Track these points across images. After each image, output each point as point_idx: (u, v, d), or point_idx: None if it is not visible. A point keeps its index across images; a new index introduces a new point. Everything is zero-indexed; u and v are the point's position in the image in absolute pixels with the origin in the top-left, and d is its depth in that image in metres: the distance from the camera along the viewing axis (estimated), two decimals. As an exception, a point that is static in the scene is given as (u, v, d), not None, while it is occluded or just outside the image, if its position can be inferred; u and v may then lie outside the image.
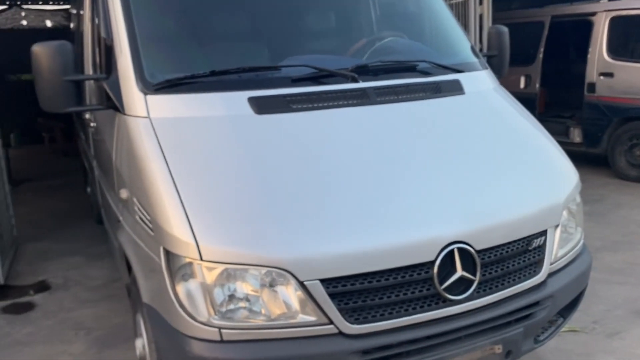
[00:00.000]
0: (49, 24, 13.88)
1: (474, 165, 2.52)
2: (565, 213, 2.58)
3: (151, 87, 2.51)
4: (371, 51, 3.16)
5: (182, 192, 2.16)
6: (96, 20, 3.02)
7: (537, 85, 7.86)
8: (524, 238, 2.38)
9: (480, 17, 6.91)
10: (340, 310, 2.06)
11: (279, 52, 2.90)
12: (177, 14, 2.91)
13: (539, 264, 2.45)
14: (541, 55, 7.88)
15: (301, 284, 2.04)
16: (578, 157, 5.30)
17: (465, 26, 6.66)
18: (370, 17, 3.63)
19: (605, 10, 7.18)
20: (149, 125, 2.41)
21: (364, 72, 2.77)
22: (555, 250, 2.51)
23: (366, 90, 2.66)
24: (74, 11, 6.73)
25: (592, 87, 7.27)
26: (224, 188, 2.22)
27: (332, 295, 2.05)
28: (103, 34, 2.77)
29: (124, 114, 2.55)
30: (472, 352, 2.25)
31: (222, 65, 2.65)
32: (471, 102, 2.89)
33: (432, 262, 2.16)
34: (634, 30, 6.97)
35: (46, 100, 2.59)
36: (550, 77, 8.03)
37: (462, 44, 3.33)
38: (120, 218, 2.76)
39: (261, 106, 2.48)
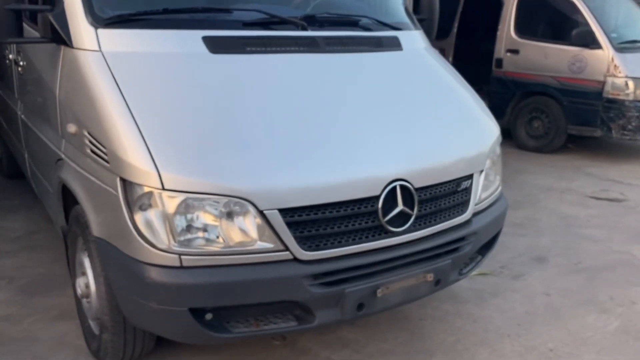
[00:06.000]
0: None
1: (411, 113, 2.74)
2: (488, 161, 2.88)
3: (102, 21, 2.49)
4: (314, 4, 3.28)
5: (140, 123, 2.19)
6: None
7: (450, 59, 8.30)
8: (454, 180, 2.64)
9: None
10: (295, 238, 2.21)
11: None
12: None
13: (465, 204, 2.73)
14: (455, 30, 8.33)
15: (261, 213, 2.16)
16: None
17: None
18: None
19: (514, -8, 7.73)
20: (102, 59, 2.39)
21: (311, 22, 2.88)
22: (479, 193, 2.80)
23: (316, 39, 2.78)
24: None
25: (499, 62, 7.82)
26: (183, 121, 2.27)
27: (288, 224, 2.20)
28: None
29: (72, 47, 2.50)
30: (408, 279, 2.49)
31: (172, 4, 2.66)
32: (408, 58, 3.10)
33: (377, 197, 2.36)
34: (538, 12, 7.57)
35: None
36: (462, 51, 8.50)
37: (397, 5, 3.53)
38: (63, 155, 2.71)
39: (216, 46, 2.53)
